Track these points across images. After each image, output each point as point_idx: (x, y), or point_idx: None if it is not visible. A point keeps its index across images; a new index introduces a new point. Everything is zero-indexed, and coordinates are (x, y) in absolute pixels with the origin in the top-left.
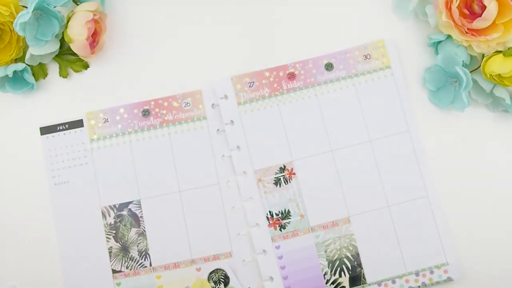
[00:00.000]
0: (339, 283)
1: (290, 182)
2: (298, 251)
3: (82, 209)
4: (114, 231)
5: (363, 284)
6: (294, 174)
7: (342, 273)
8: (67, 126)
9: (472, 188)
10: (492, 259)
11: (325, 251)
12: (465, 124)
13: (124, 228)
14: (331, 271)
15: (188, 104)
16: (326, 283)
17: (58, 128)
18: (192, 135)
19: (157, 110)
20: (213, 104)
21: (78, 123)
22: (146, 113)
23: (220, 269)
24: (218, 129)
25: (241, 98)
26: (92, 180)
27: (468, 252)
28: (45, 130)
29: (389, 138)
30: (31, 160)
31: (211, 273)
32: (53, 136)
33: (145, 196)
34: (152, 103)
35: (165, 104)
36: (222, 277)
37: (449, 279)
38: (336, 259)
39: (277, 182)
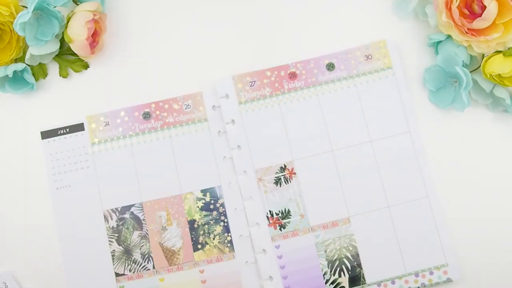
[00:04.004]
0: (338, 283)
1: (290, 181)
2: (298, 251)
3: (84, 213)
4: (116, 234)
5: (362, 284)
6: (294, 173)
7: (342, 273)
8: (68, 130)
9: (472, 188)
10: (491, 260)
11: (325, 251)
12: (465, 124)
13: (127, 231)
14: (330, 271)
15: (189, 106)
16: (326, 283)
17: (59, 132)
18: (193, 137)
19: (158, 112)
20: (213, 106)
21: (79, 127)
22: (147, 115)
23: None
24: (219, 131)
25: (242, 98)
26: (94, 184)
27: (467, 253)
28: (46, 135)
29: (390, 138)
30: (32, 164)
31: None
32: (54, 140)
33: (147, 199)
34: (153, 105)
35: (166, 106)
36: None
37: (448, 280)
38: (335, 259)
39: (277, 181)
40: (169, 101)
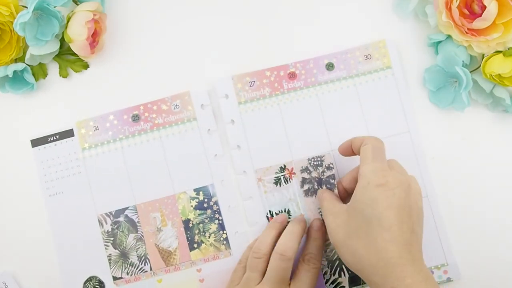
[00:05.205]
0: (338, 283)
1: (290, 181)
2: (298, 251)
3: (79, 219)
4: (112, 238)
5: (362, 284)
6: (294, 173)
7: (342, 273)
8: (57, 136)
9: (471, 188)
10: (491, 259)
11: (325, 251)
12: (465, 124)
13: (122, 234)
14: (330, 271)
15: (177, 106)
16: (326, 282)
17: (49, 140)
18: (183, 136)
19: (146, 114)
20: (202, 105)
21: (69, 133)
22: (136, 118)
23: (94, 277)
24: (209, 129)
25: (241, 98)
26: (87, 189)
27: (468, 253)
28: (36, 142)
29: (389, 138)
30: (24, 172)
31: (85, 282)
32: (44, 147)
33: (141, 201)
34: (141, 107)
35: (154, 107)
36: (97, 283)
37: (448, 280)
38: (336, 259)
39: (277, 181)
40: (157, 102)
